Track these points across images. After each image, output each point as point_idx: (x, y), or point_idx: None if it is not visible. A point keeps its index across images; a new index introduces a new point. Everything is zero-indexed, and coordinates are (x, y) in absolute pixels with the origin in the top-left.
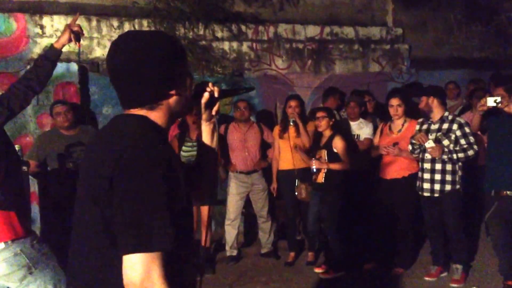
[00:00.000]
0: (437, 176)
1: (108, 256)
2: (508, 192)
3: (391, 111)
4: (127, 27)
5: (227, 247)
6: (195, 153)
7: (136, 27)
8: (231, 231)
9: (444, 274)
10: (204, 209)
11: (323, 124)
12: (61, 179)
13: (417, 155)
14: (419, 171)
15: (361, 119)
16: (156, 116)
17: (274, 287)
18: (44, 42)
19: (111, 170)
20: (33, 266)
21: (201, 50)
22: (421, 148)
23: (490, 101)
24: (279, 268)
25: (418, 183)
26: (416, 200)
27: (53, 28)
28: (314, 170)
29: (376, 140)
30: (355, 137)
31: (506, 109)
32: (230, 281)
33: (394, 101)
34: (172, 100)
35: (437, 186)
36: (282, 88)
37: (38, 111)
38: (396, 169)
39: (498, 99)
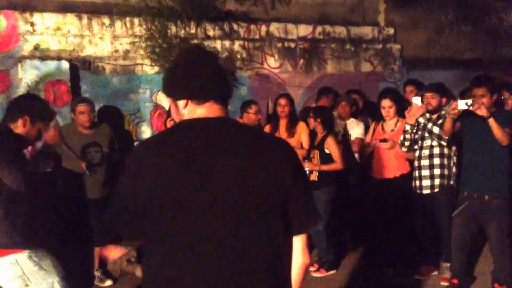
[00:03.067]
0: (436, 171)
1: (283, 242)
2: (475, 195)
3: (383, 112)
4: (118, 25)
5: None
6: None
7: (128, 25)
8: None
9: (435, 273)
10: None
11: (317, 124)
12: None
13: (406, 149)
14: (415, 170)
15: (352, 119)
16: None
17: None
18: (34, 39)
19: (293, 168)
20: (28, 279)
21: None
22: (413, 138)
23: (461, 104)
24: None
25: (414, 182)
26: (407, 200)
27: (44, 25)
28: (307, 171)
29: (368, 139)
30: (346, 136)
31: (478, 111)
32: None
33: (386, 103)
34: None
35: (436, 181)
36: (274, 87)
37: None
38: (388, 169)
39: (469, 101)
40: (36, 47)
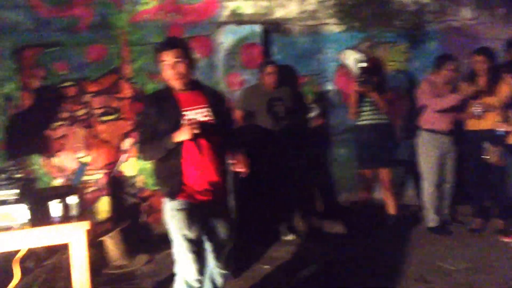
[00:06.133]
0: None
1: None
2: None
3: None
4: None
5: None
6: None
7: None
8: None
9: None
10: (383, 172)
11: None
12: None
13: None
14: None
15: None
16: None
17: (456, 252)
18: (231, 5)
19: None
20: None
21: (378, 3)
22: None
23: None
24: (463, 234)
25: None
26: None
27: None
28: (503, 132)
29: None
30: None
31: None
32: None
33: None
34: None
35: None
36: (468, 41)
37: (227, 71)
38: None
39: None
40: (233, 12)
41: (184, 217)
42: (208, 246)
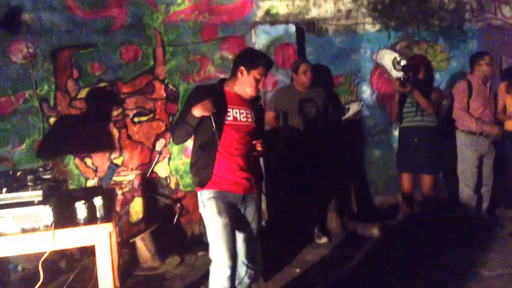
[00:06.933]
0: None
1: None
2: None
3: None
4: None
5: None
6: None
7: None
8: None
9: None
10: (426, 178)
11: None
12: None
13: None
14: None
15: None
16: None
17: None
18: (266, 5)
19: None
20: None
21: (417, 2)
22: None
23: None
24: (502, 238)
25: None
26: None
27: None
28: None
29: None
30: None
31: None
32: None
33: None
34: None
35: None
36: (509, 39)
37: None
38: None
39: None
40: (267, 12)
41: (214, 204)
42: (237, 237)
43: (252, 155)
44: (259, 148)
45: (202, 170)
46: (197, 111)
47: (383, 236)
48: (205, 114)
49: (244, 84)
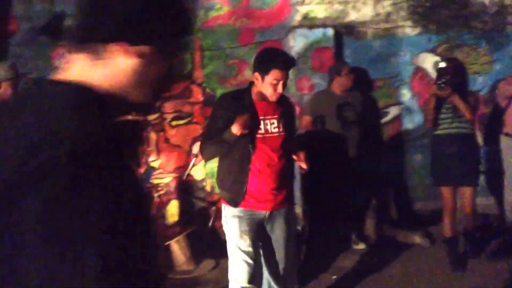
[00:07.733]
0: None
1: None
2: None
3: None
4: None
5: None
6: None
7: None
8: None
9: None
10: (466, 191)
11: None
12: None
13: None
14: None
15: None
16: None
17: None
18: (303, 9)
19: None
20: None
21: (458, 5)
22: None
23: None
24: None
25: None
26: None
27: None
28: None
29: None
30: None
31: None
32: None
33: None
34: None
35: None
36: None
37: (297, 75)
38: None
39: None
40: (305, 16)
41: (238, 225)
42: (264, 256)
43: (284, 168)
44: (303, 166)
45: (234, 186)
46: (238, 130)
47: (425, 243)
48: (245, 131)
49: (263, 90)
